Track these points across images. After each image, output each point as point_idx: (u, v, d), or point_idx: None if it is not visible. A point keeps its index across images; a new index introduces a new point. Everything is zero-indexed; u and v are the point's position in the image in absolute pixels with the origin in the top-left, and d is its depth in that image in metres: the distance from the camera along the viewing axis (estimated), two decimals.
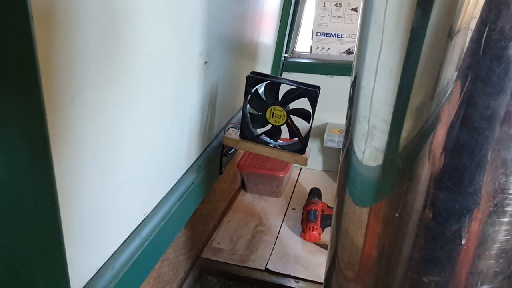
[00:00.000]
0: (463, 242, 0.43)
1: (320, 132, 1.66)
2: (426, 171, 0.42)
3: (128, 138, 0.61)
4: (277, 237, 1.36)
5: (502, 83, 0.35)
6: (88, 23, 0.46)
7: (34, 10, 0.35)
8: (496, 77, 0.35)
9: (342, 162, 0.59)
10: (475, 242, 0.44)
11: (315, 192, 1.50)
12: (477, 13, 0.34)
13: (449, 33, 0.37)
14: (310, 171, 1.77)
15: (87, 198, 0.54)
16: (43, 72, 0.36)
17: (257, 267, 1.22)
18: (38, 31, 0.36)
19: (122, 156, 0.61)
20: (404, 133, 0.43)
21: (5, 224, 0.36)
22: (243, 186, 1.62)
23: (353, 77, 0.52)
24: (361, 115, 0.49)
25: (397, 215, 0.47)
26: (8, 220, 0.36)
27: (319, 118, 1.64)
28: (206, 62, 0.82)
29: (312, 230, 1.32)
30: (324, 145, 1.58)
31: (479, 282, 0.46)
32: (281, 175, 1.50)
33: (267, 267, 1.22)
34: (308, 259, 1.27)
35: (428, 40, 0.38)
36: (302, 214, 1.43)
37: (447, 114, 0.39)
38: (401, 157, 0.44)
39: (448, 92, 0.38)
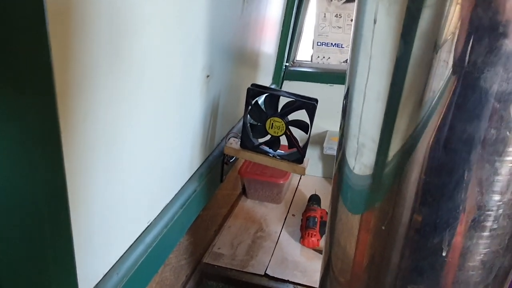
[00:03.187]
0: (444, 254, 0.47)
1: (320, 140, 1.69)
2: (409, 188, 0.46)
3: (135, 149, 0.65)
4: (277, 242, 1.39)
5: (476, 110, 0.38)
6: (98, 40, 0.50)
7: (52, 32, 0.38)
8: (470, 104, 0.38)
9: (336, 173, 0.62)
10: (455, 254, 0.47)
11: (314, 199, 1.53)
12: (453, 47, 0.37)
13: (430, 64, 0.40)
14: (310, 177, 1.80)
15: (95, 207, 0.57)
16: (58, 90, 0.40)
17: (256, 272, 1.25)
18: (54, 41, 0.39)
19: (129, 167, 0.64)
20: (390, 152, 0.46)
21: (23, 235, 0.39)
22: (244, 192, 1.65)
23: (345, 91, 0.55)
24: (351, 133, 0.52)
25: (383, 227, 0.50)
26: (26, 232, 0.40)
27: (319, 126, 1.68)
28: (208, 76, 0.85)
29: (311, 236, 1.35)
30: (324, 152, 1.61)
31: None
32: (281, 182, 1.53)
33: (266, 272, 1.25)
34: (306, 265, 1.30)
35: (411, 69, 0.41)
36: (302, 220, 1.46)
37: (428, 137, 0.42)
38: (387, 174, 0.48)
39: (429, 117, 0.41)
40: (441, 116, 0.41)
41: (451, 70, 0.38)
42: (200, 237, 1.26)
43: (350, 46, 0.52)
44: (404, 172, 0.46)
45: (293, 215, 1.55)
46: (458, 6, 0.36)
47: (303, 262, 1.31)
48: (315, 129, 1.70)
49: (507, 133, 0.39)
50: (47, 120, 0.40)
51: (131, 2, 0.54)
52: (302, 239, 1.37)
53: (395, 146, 0.46)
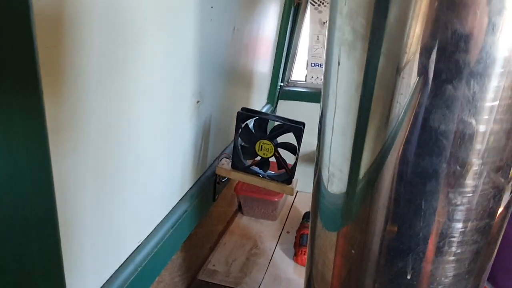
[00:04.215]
0: (408, 277, 0.50)
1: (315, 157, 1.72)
2: (375, 215, 0.49)
3: (124, 173, 0.68)
4: (271, 260, 1.42)
5: (427, 147, 0.42)
6: (88, 70, 0.54)
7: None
8: (422, 142, 0.42)
9: (313, 194, 0.65)
10: (420, 278, 0.50)
11: (308, 216, 1.55)
12: (405, 91, 0.41)
13: (389, 105, 0.43)
14: (306, 194, 1.82)
15: (84, 231, 0.61)
16: (49, 122, 0.44)
17: None
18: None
19: (119, 190, 0.68)
20: (357, 182, 0.50)
21: (12, 260, 0.43)
22: (240, 209, 1.68)
23: (320, 115, 0.59)
24: (323, 162, 0.56)
25: (353, 251, 0.53)
26: (15, 257, 0.43)
27: (313, 143, 1.71)
28: (198, 102, 0.90)
29: (304, 254, 1.37)
30: None
31: None
32: (276, 200, 1.56)
33: None
34: (299, 282, 1.32)
35: (373, 108, 0.45)
36: (295, 237, 1.49)
37: (389, 170, 0.46)
38: (355, 202, 0.51)
39: (388, 152, 0.45)
40: (399, 152, 0.44)
41: (404, 111, 0.42)
42: (194, 254, 1.29)
43: (322, 80, 0.55)
44: (369, 202, 0.49)
45: (288, 232, 1.57)
46: (406, 55, 0.40)
47: (295, 280, 1.33)
48: (310, 146, 1.73)
49: (457, 167, 0.42)
50: (37, 149, 0.43)
51: (122, 39, 0.58)
52: (296, 257, 1.39)
53: (360, 177, 0.49)
